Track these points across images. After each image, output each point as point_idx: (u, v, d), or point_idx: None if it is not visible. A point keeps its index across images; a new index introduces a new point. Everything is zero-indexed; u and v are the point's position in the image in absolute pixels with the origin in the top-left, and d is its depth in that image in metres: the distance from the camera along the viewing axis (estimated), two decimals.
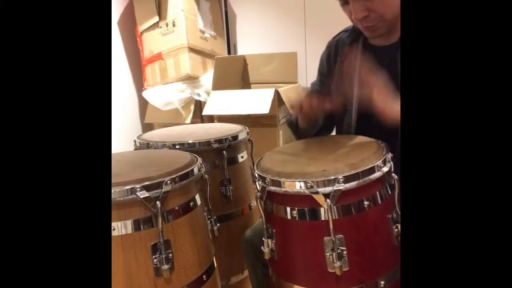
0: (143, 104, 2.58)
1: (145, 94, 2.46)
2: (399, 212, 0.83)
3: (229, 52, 2.75)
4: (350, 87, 1.10)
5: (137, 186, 0.80)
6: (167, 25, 2.37)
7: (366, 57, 1.09)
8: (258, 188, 0.84)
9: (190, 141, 1.19)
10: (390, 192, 0.84)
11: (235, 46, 2.78)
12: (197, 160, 0.97)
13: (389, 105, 0.87)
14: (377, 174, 0.79)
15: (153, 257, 0.82)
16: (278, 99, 2.05)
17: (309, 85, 1.34)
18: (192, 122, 2.34)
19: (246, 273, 1.29)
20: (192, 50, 2.35)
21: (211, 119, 2.25)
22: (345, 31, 1.18)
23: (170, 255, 0.84)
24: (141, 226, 0.82)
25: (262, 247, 0.86)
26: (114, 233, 0.80)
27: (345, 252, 0.77)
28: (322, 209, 0.77)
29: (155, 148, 1.19)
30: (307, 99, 1.01)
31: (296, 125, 1.14)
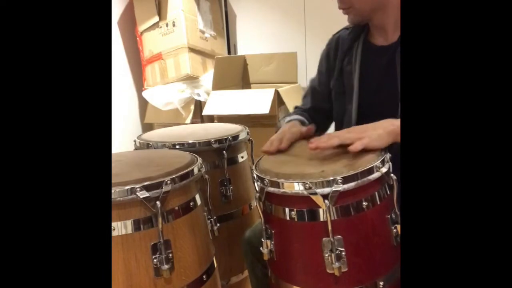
0: (143, 104, 2.58)
1: (145, 94, 2.46)
2: (398, 213, 0.83)
3: (229, 52, 2.75)
4: (350, 85, 1.11)
5: (137, 186, 0.80)
6: (167, 25, 2.37)
7: (365, 55, 1.10)
8: (257, 189, 0.84)
9: (190, 141, 1.19)
10: (388, 193, 0.84)
11: (235, 46, 2.78)
12: (197, 160, 0.97)
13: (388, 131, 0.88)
14: (375, 175, 0.79)
15: (153, 257, 0.83)
16: (278, 99, 2.05)
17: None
18: (192, 122, 2.34)
19: (246, 273, 1.29)
20: (192, 50, 2.35)
21: (211, 119, 2.26)
22: (346, 28, 1.18)
23: (170, 255, 0.84)
24: (141, 226, 0.82)
25: (261, 248, 0.86)
26: (114, 233, 0.81)
27: (343, 253, 0.77)
28: (320, 210, 0.77)
29: (155, 148, 1.19)
30: (278, 140, 1.00)
31: None
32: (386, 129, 0.88)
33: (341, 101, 1.14)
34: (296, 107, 1.29)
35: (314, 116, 1.22)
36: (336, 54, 1.17)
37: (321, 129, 1.22)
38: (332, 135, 0.91)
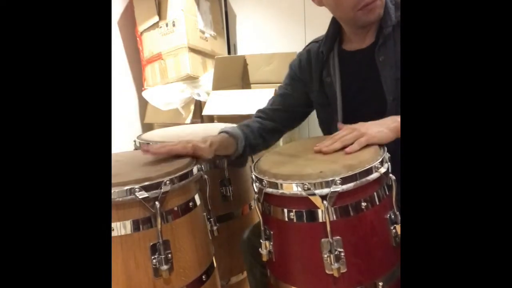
0: (143, 104, 2.58)
1: (145, 94, 2.46)
2: (397, 213, 0.83)
3: (229, 52, 2.75)
4: (333, 96, 1.11)
5: (136, 187, 0.80)
6: (167, 25, 2.37)
7: (343, 63, 1.09)
8: (256, 190, 0.84)
9: None
10: (387, 193, 0.84)
11: (235, 46, 2.78)
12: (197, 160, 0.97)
13: (379, 133, 0.88)
14: (374, 175, 0.79)
15: (152, 257, 0.83)
16: None
17: None
18: (192, 122, 2.35)
19: (246, 273, 1.30)
20: (192, 50, 2.35)
21: (211, 119, 2.26)
22: (315, 41, 1.18)
23: (169, 255, 0.84)
24: (140, 227, 0.82)
25: (260, 249, 0.86)
26: (113, 234, 0.80)
27: (342, 254, 0.77)
28: (319, 211, 0.77)
29: None
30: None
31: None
32: (389, 126, 0.88)
33: (327, 112, 1.15)
34: (258, 111, 1.26)
35: (276, 116, 1.20)
36: (309, 67, 1.16)
37: (278, 133, 1.22)
38: (335, 138, 0.91)
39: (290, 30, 2.57)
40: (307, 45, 1.21)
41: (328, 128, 1.15)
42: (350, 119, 1.04)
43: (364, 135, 0.87)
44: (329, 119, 1.14)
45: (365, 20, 1.03)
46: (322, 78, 1.13)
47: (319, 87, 1.14)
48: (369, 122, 0.91)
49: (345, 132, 0.91)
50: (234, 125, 1.18)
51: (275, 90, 2.01)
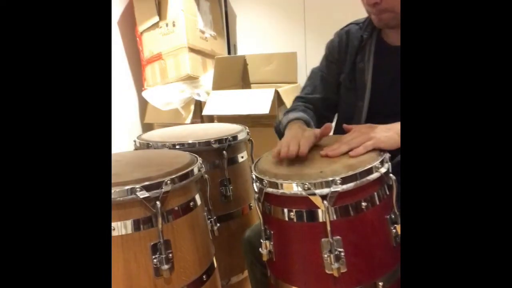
0: (143, 104, 2.58)
1: (145, 94, 2.46)
2: (397, 213, 0.83)
3: (229, 52, 2.75)
4: (362, 83, 1.09)
5: (137, 186, 0.81)
6: (167, 25, 2.37)
7: (379, 54, 1.07)
8: (256, 190, 0.84)
9: (190, 141, 1.19)
10: (388, 193, 0.84)
11: (235, 46, 2.78)
12: (197, 160, 0.97)
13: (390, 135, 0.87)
14: (374, 175, 0.80)
15: (153, 257, 0.83)
16: (278, 99, 2.05)
17: None
18: (192, 122, 2.35)
19: (246, 273, 1.30)
20: (192, 50, 2.36)
21: (211, 119, 2.26)
22: (355, 23, 1.16)
23: (170, 255, 0.85)
24: (141, 226, 0.83)
25: (260, 249, 0.86)
26: (114, 233, 0.81)
27: (343, 254, 0.77)
28: (319, 211, 0.77)
29: (155, 148, 1.19)
30: (295, 144, 0.90)
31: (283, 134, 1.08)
32: (398, 131, 0.86)
33: (350, 97, 1.12)
34: (299, 97, 1.22)
35: (321, 107, 1.18)
36: (346, 48, 1.14)
37: (325, 122, 1.13)
38: (342, 141, 0.90)
39: (290, 30, 2.57)
40: (346, 26, 1.18)
41: (349, 115, 1.11)
42: (373, 109, 1.03)
43: (371, 139, 0.87)
44: (350, 105, 1.11)
45: (376, 24, 1.03)
46: (356, 61, 1.11)
47: (350, 70, 1.12)
48: (378, 126, 0.90)
49: (353, 135, 0.90)
50: (298, 114, 1.12)
51: (275, 90, 2.02)
